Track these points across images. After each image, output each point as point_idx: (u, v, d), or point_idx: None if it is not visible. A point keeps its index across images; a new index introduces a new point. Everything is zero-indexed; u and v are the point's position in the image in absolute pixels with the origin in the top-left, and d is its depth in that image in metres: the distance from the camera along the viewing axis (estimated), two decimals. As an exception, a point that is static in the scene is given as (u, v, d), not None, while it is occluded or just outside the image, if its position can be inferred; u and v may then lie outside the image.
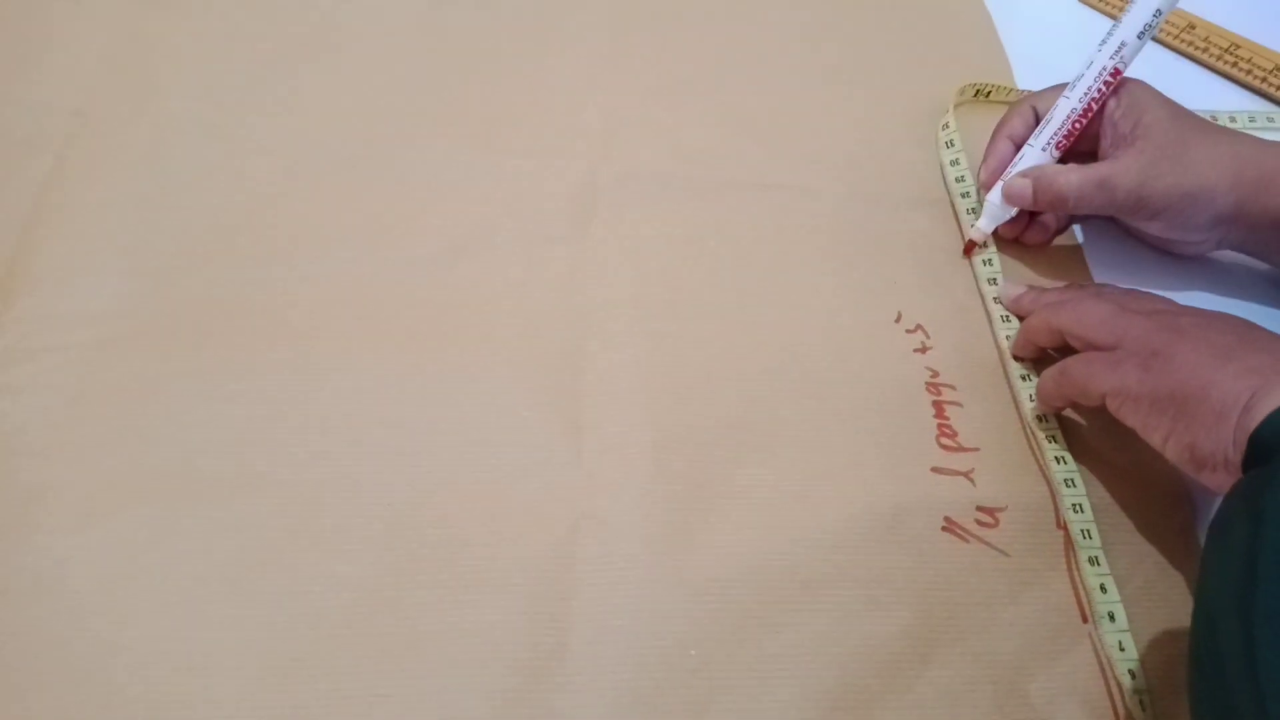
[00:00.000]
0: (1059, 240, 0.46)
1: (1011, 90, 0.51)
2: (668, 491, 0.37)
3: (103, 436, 0.36)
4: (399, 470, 0.36)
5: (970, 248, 0.45)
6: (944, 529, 0.37)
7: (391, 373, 0.39)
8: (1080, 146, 0.44)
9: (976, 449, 0.39)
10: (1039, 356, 0.40)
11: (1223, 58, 0.56)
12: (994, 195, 0.44)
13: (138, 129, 0.45)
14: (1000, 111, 0.47)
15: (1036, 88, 0.50)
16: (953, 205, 0.47)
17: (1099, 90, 0.42)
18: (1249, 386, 0.30)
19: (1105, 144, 0.43)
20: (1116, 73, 0.42)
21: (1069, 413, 0.40)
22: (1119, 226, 0.46)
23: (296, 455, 0.36)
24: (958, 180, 0.47)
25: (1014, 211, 0.44)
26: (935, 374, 0.41)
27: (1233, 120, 0.52)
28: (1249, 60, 0.55)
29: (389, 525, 0.35)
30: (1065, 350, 0.39)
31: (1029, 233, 0.45)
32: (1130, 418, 0.34)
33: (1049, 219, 0.45)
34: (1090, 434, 0.39)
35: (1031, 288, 0.43)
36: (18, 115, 0.45)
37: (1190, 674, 0.28)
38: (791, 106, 0.50)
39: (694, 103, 0.49)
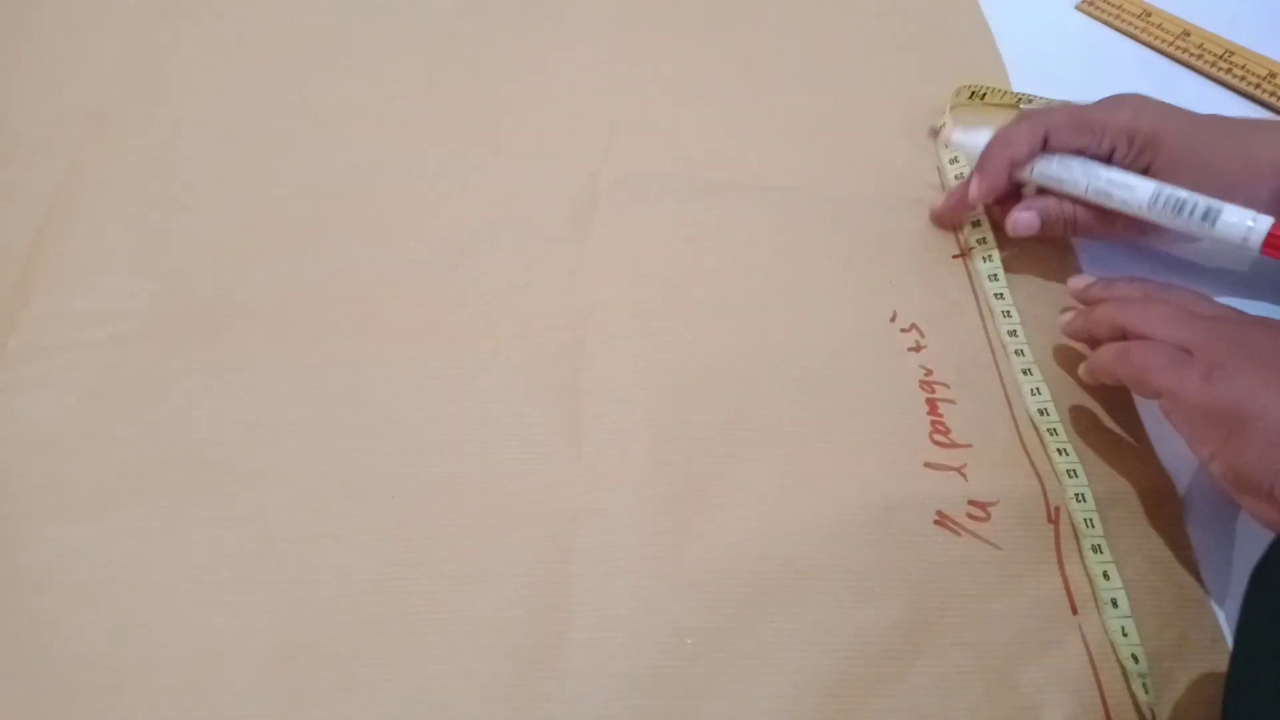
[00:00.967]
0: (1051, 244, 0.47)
1: (1006, 93, 0.52)
2: (666, 485, 0.37)
3: (115, 430, 0.37)
4: (402, 464, 0.37)
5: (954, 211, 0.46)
6: (936, 522, 0.37)
7: (396, 369, 0.40)
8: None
9: (969, 445, 0.40)
10: (1094, 347, 0.40)
11: (1217, 64, 0.57)
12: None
13: (151, 133, 0.47)
14: (995, 114, 0.48)
15: (1031, 92, 0.51)
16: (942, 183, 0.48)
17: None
18: None
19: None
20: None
21: (1068, 408, 0.41)
22: None
23: (303, 449, 0.37)
24: (956, 178, 0.48)
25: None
26: (929, 372, 0.42)
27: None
28: (1243, 67, 0.56)
29: (393, 517, 0.36)
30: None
31: (1012, 224, 0.44)
32: (1182, 425, 0.34)
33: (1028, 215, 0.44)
34: (1086, 431, 0.40)
35: (1099, 279, 0.41)
36: (34, 119, 0.46)
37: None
38: (789, 110, 0.51)
39: (693, 106, 0.51)
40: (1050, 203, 0.43)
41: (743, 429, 0.39)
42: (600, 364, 0.41)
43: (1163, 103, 0.43)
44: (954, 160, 0.49)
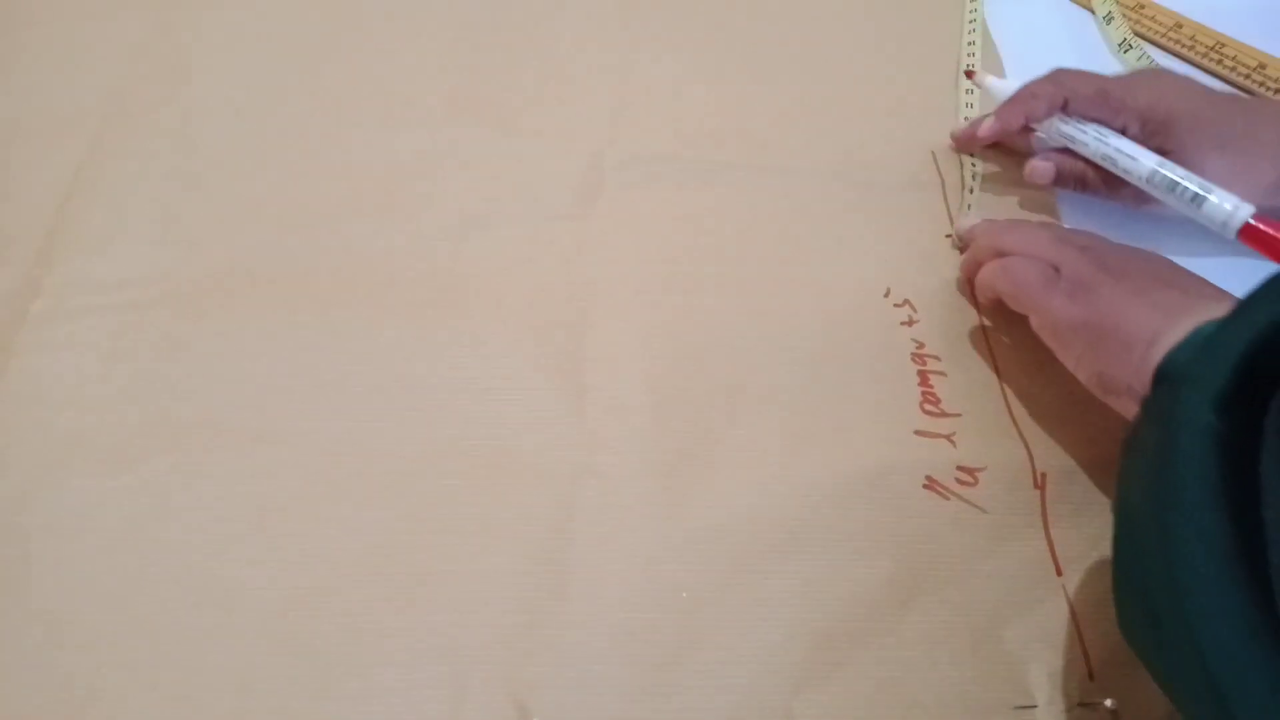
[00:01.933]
0: (1035, 199, 0.49)
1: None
2: (664, 448, 0.39)
3: (135, 390, 0.39)
4: (412, 425, 0.39)
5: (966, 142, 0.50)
6: (925, 487, 0.39)
7: (406, 336, 0.41)
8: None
9: (958, 414, 0.41)
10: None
11: (1209, 55, 0.58)
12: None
13: (169, 110, 0.48)
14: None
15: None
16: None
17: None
18: (1157, 322, 0.33)
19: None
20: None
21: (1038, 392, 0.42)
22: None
23: (316, 410, 0.39)
24: (965, 115, 0.52)
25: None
26: (921, 345, 0.43)
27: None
28: (1234, 59, 0.57)
29: (402, 475, 0.37)
30: None
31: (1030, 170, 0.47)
32: (1050, 339, 0.38)
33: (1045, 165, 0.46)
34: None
35: (984, 219, 0.46)
36: (59, 97, 0.48)
37: (1114, 580, 0.30)
38: (789, 94, 0.52)
39: (696, 89, 0.52)
40: (1066, 158, 0.46)
41: (739, 397, 0.41)
42: (602, 334, 0.42)
43: (1184, 81, 0.45)
44: (969, 106, 0.52)
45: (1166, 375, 0.31)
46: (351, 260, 0.43)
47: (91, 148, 0.46)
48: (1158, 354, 0.31)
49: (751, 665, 0.34)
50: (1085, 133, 0.45)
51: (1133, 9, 0.60)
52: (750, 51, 0.54)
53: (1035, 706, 0.34)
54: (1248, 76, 0.56)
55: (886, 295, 0.45)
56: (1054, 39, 0.59)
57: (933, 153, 0.51)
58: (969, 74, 0.52)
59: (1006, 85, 0.48)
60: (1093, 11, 0.60)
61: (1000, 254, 0.41)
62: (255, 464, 0.37)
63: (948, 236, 0.47)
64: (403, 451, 0.38)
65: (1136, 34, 0.59)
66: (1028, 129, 0.48)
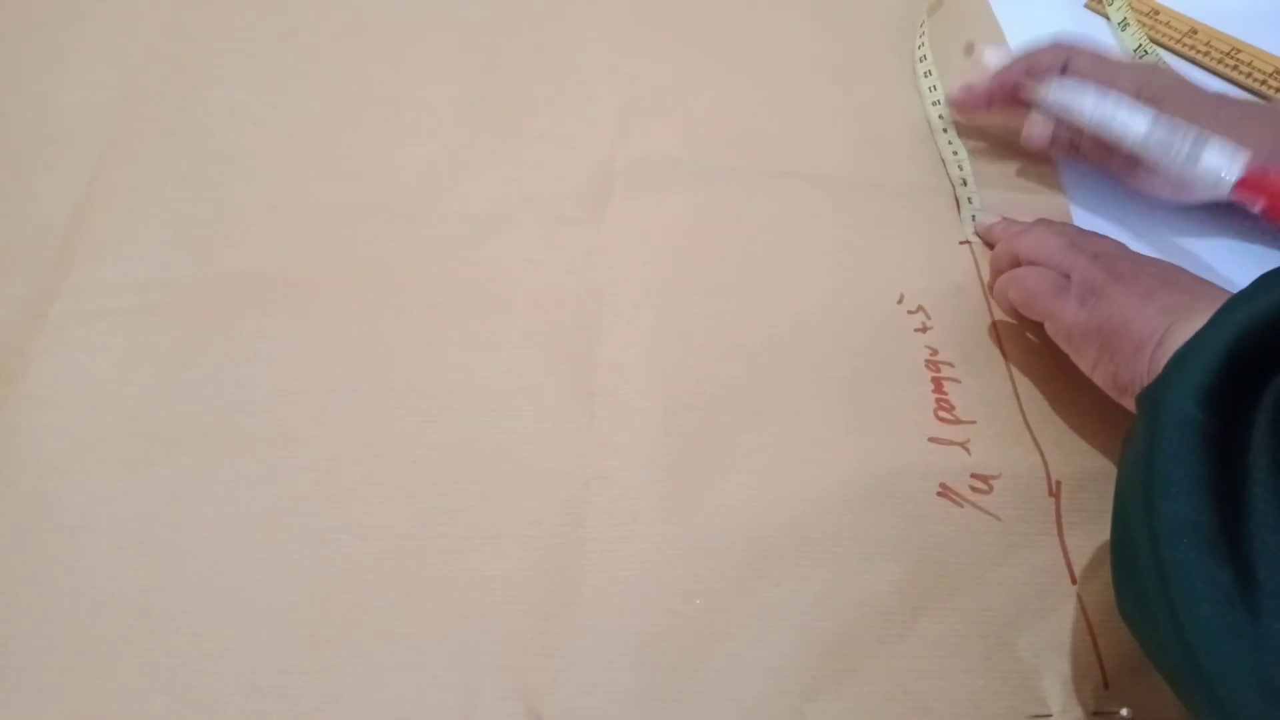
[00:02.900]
0: (1045, 192, 0.49)
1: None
2: (675, 453, 0.39)
3: (147, 393, 0.39)
4: (422, 429, 0.39)
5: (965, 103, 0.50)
6: (939, 494, 0.38)
7: (417, 340, 0.41)
8: None
9: (973, 421, 0.41)
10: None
11: (1224, 61, 0.57)
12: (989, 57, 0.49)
13: (182, 115, 0.48)
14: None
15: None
16: (929, 124, 0.52)
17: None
18: (1164, 323, 0.34)
19: None
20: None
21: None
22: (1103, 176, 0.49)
23: (327, 414, 0.39)
24: (934, 104, 0.53)
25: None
26: (935, 352, 0.43)
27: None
28: (1249, 64, 0.57)
29: (412, 479, 0.37)
30: None
31: (1027, 132, 0.48)
32: (1064, 345, 0.39)
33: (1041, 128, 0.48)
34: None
35: (1003, 218, 0.46)
36: (74, 102, 0.48)
37: (1112, 566, 0.32)
38: (799, 98, 0.52)
39: (705, 93, 0.52)
40: (1060, 125, 0.47)
41: (750, 402, 0.40)
42: (613, 338, 0.42)
43: (1175, 76, 0.46)
44: (927, 74, 0.53)
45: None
46: (363, 264, 0.43)
47: (105, 153, 0.46)
48: (1165, 354, 0.32)
49: (763, 672, 0.34)
50: (1085, 93, 0.45)
51: (1147, 15, 0.60)
52: (760, 56, 0.54)
53: (1050, 716, 0.33)
54: (1264, 82, 0.56)
55: (900, 302, 0.44)
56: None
57: (942, 159, 0.50)
58: (969, 48, 0.52)
59: (1003, 54, 0.49)
60: (1107, 18, 0.60)
61: (1014, 258, 0.42)
62: (268, 467, 0.37)
63: (962, 243, 0.47)
64: (414, 456, 0.38)
65: (1151, 40, 0.59)
66: (1022, 103, 0.48)
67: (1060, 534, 0.38)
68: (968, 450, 0.40)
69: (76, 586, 0.34)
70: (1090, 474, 0.39)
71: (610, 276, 0.44)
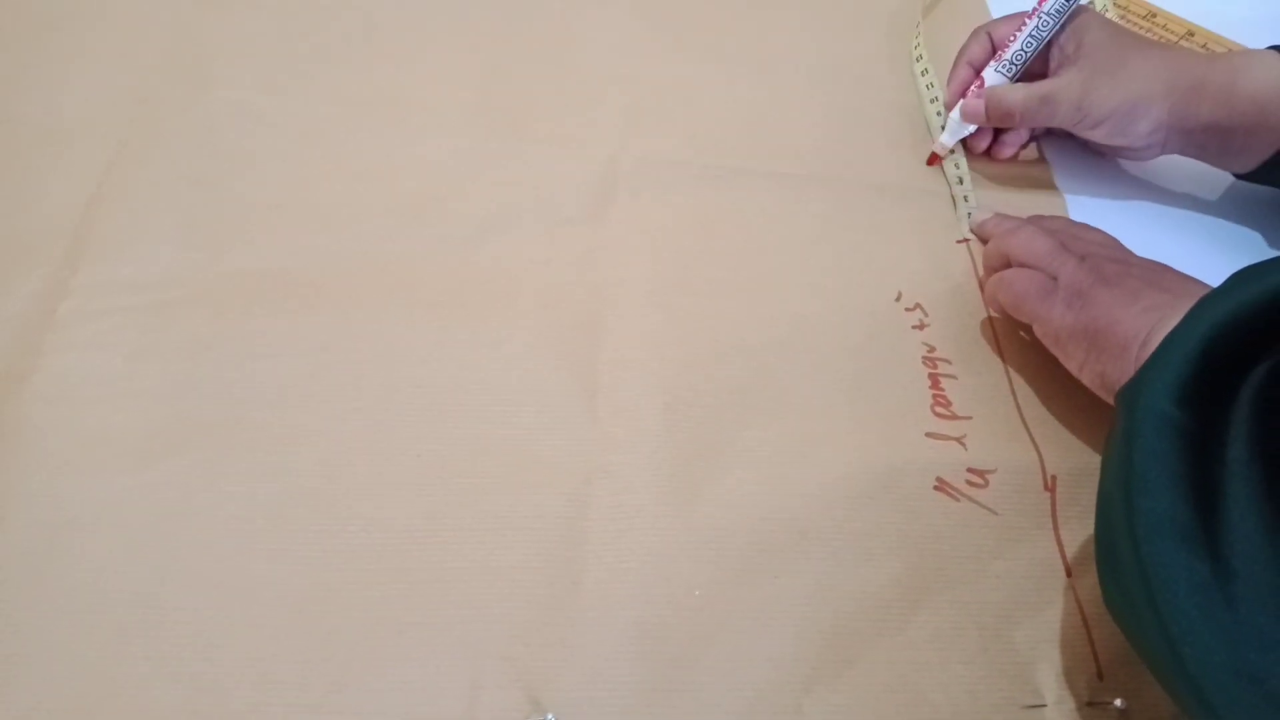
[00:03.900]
0: (1028, 161, 0.51)
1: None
2: (676, 449, 0.39)
3: (158, 389, 0.39)
4: (428, 425, 0.39)
5: (934, 159, 0.51)
6: (936, 488, 0.39)
7: (422, 338, 0.42)
8: (1033, 69, 0.48)
9: (969, 417, 0.41)
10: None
11: (1181, 43, 0.58)
12: (955, 113, 0.49)
13: (193, 116, 0.49)
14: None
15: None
16: (927, 124, 0.53)
17: (1059, 20, 0.47)
18: (1148, 323, 0.34)
19: (1053, 65, 0.48)
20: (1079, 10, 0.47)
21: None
22: (1081, 145, 0.51)
23: (334, 410, 0.39)
24: (931, 101, 0.53)
25: (971, 128, 0.49)
26: (932, 349, 0.43)
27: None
28: (1204, 46, 0.58)
29: (418, 474, 0.38)
30: None
31: (996, 147, 0.50)
32: (1052, 346, 0.40)
33: (1011, 135, 0.50)
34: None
35: (997, 214, 0.47)
36: (85, 102, 0.49)
37: (1096, 558, 0.32)
38: (800, 100, 0.53)
39: (707, 95, 0.53)
40: (996, 90, 0.48)
41: (751, 399, 0.41)
42: (616, 336, 0.43)
43: (1102, 20, 0.47)
44: (929, 85, 0.54)
45: None
46: (370, 263, 0.44)
47: (116, 152, 0.47)
48: (1149, 353, 0.32)
49: (762, 663, 0.34)
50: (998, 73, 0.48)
51: (1144, 17, 0.60)
52: (760, 58, 0.55)
53: (1044, 706, 0.34)
54: (1260, 84, 0.56)
55: (898, 299, 0.45)
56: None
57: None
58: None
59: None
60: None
61: (1004, 257, 0.43)
62: (276, 462, 0.38)
63: (959, 241, 0.48)
64: (419, 451, 0.39)
65: (1148, 42, 0.59)
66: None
67: (1055, 528, 0.38)
68: (964, 446, 0.40)
69: (87, 579, 0.35)
70: (1085, 469, 0.40)
71: (613, 276, 0.45)
